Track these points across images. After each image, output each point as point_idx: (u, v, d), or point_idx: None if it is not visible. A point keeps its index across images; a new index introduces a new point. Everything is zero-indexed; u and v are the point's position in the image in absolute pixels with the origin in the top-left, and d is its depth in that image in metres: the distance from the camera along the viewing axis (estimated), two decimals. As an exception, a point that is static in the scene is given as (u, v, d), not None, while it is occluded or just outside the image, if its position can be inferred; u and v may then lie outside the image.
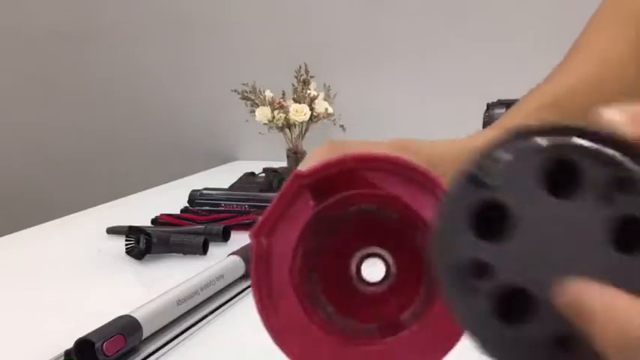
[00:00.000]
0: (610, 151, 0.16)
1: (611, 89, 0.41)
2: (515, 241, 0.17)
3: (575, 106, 0.37)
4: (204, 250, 0.77)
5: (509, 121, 0.38)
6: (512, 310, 0.17)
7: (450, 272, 0.17)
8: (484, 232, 0.17)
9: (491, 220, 0.17)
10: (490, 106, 1.00)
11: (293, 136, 1.41)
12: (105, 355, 0.47)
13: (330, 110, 1.36)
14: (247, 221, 0.90)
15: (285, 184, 0.25)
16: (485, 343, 0.17)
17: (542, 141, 0.17)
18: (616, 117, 0.17)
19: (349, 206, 0.26)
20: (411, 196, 0.24)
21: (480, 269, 0.17)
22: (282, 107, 1.35)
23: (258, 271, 0.24)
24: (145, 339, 0.53)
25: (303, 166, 0.26)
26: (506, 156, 0.17)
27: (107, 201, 1.14)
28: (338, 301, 0.27)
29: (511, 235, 0.17)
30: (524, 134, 0.17)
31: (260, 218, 0.25)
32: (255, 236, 0.24)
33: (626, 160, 0.16)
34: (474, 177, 0.17)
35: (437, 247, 0.17)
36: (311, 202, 0.25)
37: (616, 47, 0.43)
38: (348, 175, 0.25)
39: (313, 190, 0.25)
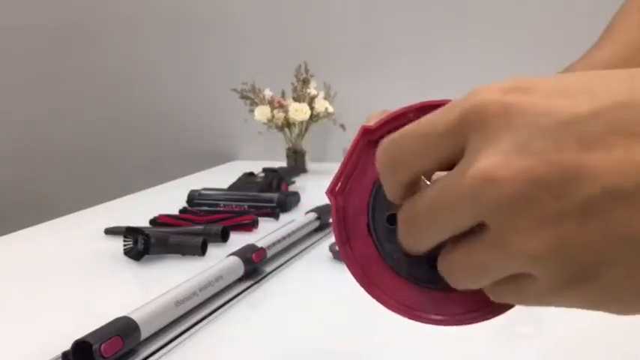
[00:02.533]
0: None
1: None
2: None
3: None
4: (202, 250, 0.76)
5: None
6: None
7: (380, 222, 0.27)
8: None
9: None
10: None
11: (293, 136, 1.40)
12: (102, 357, 0.47)
13: (330, 109, 1.36)
14: (246, 222, 0.89)
15: (354, 140, 0.27)
16: (390, 258, 0.27)
17: None
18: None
19: None
20: None
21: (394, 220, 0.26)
22: (282, 106, 1.35)
23: (339, 227, 0.27)
24: (144, 340, 0.52)
25: (370, 121, 0.27)
26: None
27: (105, 201, 1.13)
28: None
29: None
30: None
31: (334, 176, 0.27)
32: (331, 194, 0.27)
33: None
34: None
35: (374, 212, 0.27)
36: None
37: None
38: None
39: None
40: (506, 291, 0.21)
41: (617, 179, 0.17)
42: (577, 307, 0.20)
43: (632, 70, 0.19)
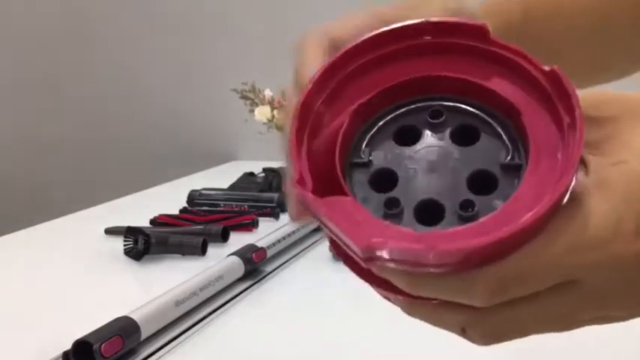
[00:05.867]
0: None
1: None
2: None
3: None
4: (203, 250, 0.76)
5: None
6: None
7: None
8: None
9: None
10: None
11: (292, 136, 1.40)
12: (103, 356, 0.47)
13: (330, 110, 1.36)
14: (247, 222, 0.89)
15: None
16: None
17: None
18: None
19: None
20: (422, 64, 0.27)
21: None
22: (282, 107, 1.35)
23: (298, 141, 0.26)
24: (144, 340, 0.52)
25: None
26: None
27: (106, 201, 1.13)
28: None
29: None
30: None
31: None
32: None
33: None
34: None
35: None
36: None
37: None
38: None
39: None
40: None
41: None
42: None
43: None
